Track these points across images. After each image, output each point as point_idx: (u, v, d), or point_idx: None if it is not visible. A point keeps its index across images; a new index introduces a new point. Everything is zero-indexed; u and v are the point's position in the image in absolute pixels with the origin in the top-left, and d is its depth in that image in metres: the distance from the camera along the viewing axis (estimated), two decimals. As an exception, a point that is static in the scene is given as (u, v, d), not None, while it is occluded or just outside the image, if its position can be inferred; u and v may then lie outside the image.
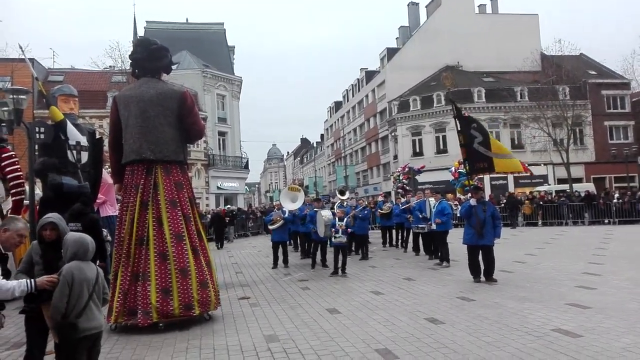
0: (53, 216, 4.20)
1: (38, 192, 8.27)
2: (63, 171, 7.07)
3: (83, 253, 3.87)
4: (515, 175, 10.03)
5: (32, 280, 3.73)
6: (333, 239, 11.02)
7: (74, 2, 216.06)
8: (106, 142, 8.29)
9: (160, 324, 6.56)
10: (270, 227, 12.97)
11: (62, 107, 7.51)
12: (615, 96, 41.04)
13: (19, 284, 3.64)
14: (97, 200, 8.83)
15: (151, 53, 7.42)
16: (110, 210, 10.46)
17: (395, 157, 44.12)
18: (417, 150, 41.67)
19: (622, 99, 41.27)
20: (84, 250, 3.87)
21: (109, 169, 9.32)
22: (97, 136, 8.29)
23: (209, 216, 23.66)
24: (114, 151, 7.53)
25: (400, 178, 23.77)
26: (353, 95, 59.49)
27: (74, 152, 7.24)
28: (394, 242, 16.44)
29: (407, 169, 24.18)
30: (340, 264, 10.79)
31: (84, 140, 7.46)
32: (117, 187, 7.77)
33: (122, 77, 29.62)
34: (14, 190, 8.54)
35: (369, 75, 53.81)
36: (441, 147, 40.33)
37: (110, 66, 30.74)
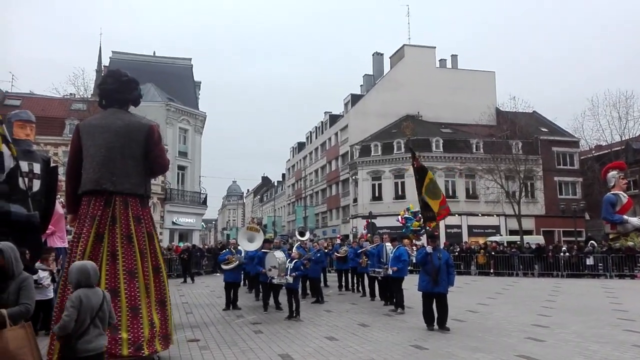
0: (3, 243, 4.17)
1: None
2: (12, 198, 6.79)
3: (85, 280, 4.09)
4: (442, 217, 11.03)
5: None
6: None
7: (38, 26, 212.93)
8: (61, 170, 8.04)
9: None
10: (224, 267, 12.52)
11: (17, 132, 7.28)
12: (565, 153, 43.22)
13: None
14: (47, 231, 8.48)
15: (121, 85, 7.32)
16: (59, 242, 10.02)
17: (355, 200, 44.55)
18: (377, 194, 42.28)
19: (571, 156, 43.48)
20: (85, 277, 4.10)
21: (62, 199, 8.98)
22: (52, 164, 8.04)
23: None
24: (70, 180, 7.26)
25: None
26: (316, 137, 60.27)
27: (26, 179, 6.99)
28: (350, 286, 16.40)
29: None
30: (294, 307, 10.63)
31: (37, 168, 7.21)
32: (71, 218, 7.44)
33: (82, 105, 29.11)
34: None
35: (333, 118, 54.87)
36: (399, 192, 41.07)
37: (70, 94, 30.22)
